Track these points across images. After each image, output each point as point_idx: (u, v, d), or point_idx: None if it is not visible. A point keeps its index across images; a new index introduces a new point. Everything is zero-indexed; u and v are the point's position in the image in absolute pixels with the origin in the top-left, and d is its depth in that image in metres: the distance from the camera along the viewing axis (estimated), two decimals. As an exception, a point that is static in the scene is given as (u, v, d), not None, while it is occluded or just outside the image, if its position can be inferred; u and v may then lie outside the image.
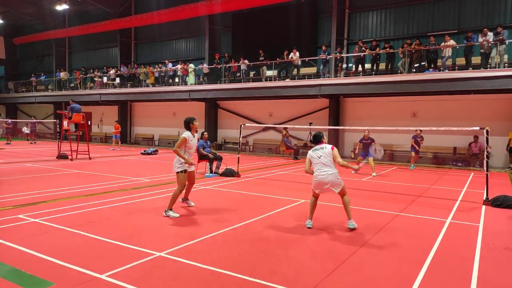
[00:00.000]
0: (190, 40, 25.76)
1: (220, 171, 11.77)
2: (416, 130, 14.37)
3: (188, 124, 6.70)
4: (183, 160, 6.49)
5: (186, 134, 6.58)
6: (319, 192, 6.00)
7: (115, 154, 18.90)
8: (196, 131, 6.87)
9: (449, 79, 14.35)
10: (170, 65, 23.18)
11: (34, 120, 27.26)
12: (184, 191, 7.09)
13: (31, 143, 25.88)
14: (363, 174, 12.82)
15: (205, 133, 12.20)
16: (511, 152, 14.85)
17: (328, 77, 17.67)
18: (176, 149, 6.44)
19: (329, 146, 5.99)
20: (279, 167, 14.37)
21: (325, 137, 6.26)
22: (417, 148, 14.52)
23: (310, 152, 6.06)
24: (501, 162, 15.57)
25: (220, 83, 21.02)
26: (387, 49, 16.27)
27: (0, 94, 32.80)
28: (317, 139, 6.14)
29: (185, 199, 7.37)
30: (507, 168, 14.93)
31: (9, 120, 25.70)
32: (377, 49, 16.72)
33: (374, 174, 12.51)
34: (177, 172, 6.58)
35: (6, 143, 23.48)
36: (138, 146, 25.15)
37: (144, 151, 19.05)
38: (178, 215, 6.50)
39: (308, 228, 5.89)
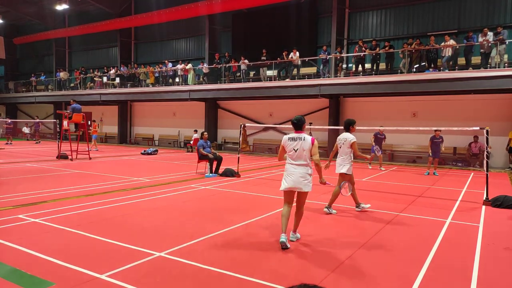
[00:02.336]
0: (190, 40, 25.77)
1: (220, 171, 11.79)
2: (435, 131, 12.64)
3: (349, 126, 6.95)
4: (350, 161, 6.86)
5: (354, 137, 6.86)
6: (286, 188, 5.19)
7: (115, 154, 18.91)
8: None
9: (449, 79, 14.36)
10: (170, 65, 23.18)
11: (37, 120, 27.25)
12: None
13: (37, 142, 25.97)
14: (364, 174, 12.82)
15: (205, 133, 12.21)
16: (510, 152, 14.86)
17: (328, 77, 17.68)
18: (358, 152, 6.78)
19: (310, 139, 5.08)
20: (279, 167, 14.36)
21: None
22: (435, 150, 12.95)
23: (287, 138, 5.19)
24: (501, 162, 15.57)
25: (220, 83, 21.02)
26: (387, 49, 16.28)
27: (0, 94, 32.81)
28: (297, 124, 5.19)
29: (330, 205, 7.04)
30: (507, 168, 14.92)
31: (9, 120, 25.70)
32: (377, 49, 16.72)
33: (370, 167, 14.53)
34: (347, 174, 6.88)
35: (7, 143, 23.49)
36: (138, 146, 25.16)
37: (144, 151, 19.06)
38: (369, 205, 7.23)
39: (281, 242, 4.90)
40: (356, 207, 7.23)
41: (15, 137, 27.67)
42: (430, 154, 12.94)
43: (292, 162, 5.12)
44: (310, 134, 5.66)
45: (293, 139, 5.13)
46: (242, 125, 19.50)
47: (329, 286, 3.83)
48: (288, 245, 4.90)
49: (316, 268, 4.30)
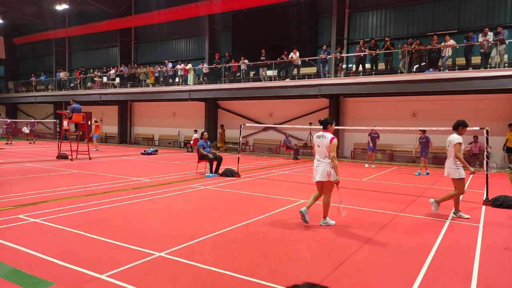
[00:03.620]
0: (190, 40, 25.77)
1: (220, 171, 11.79)
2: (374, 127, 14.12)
3: (458, 127, 6.73)
4: (460, 164, 6.57)
5: (460, 138, 6.58)
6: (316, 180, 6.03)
7: (115, 154, 18.91)
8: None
9: (449, 79, 14.35)
10: (170, 65, 23.19)
11: (33, 120, 27.24)
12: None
13: (30, 143, 25.94)
14: (364, 174, 12.82)
15: (205, 133, 12.20)
16: (508, 152, 14.85)
17: (328, 77, 17.67)
18: (458, 154, 6.48)
19: (329, 137, 5.85)
20: (279, 167, 14.36)
21: (332, 124, 6.06)
22: (371, 145, 14.57)
23: (315, 136, 6.14)
24: (501, 162, 15.56)
25: (220, 83, 21.02)
26: (388, 44, 16.26)
27: (0, 94, 32.81)
28: (322, 124, 6.09)
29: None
30: (507, 168, 14.92)
31: (8, 120, 25.69)
32: (377, 49, 16.72)
33: (372, 166, 14.79)
34: (460, 179, 6.59)
35: (7, 143, 23.48)
36: (138, 146, 25.16)
37: (144, 151, 19.05)
38: (468, 216, 6.70)
39: (300, 212, 5.98)
40: (454, 213, 6.86)
41: (15, 137, 27.67)
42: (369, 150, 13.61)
43: (316, 158, 6.02)
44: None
45: (318, 137, 6.01)
46: (222, 126, 20.12)
47: (330, 285, 3.83)
48: (307, 219, 5.93)
49: (316, 268, 4.30)
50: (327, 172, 5.79)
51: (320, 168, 5.87)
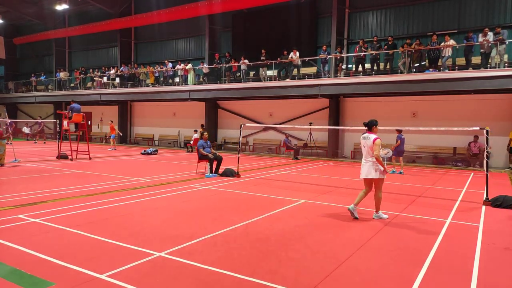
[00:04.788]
0: (190, 40, 25.77)
1: (220, 171, 11.79)
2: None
3: None
4: None
5: None
6: (361, 178, 6.62)
7: (115, 154, 18.91)
8: None
9: (449, 79, 14.36)
10: (170, 65, 23.19)
11: (40, 120, 27.27)
12: None
13: (35, 142, 25.96)
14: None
15: (205, 133, 12.19)
16: (511, 152, 14.86)
17: (328, 77, 17.67)
18: None
19: (372, 138, 6.38)
20: (279, 167, 14.36)
21: (377, 126, 6.64)
22: None
23: (361, 137, 6.73)
24: (501, 162, 15.57)
25: (220, 83, 21.02)
26: (390, 43, 16.27)
27: (0, 94, 32.82)
28: (367, 126, 6.67)
29: None
30: (507, 168, 14.92)
31: (9, 120, 25.64)
32: (380, 48, 16.71)
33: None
34: None
35: (7, 143, 23.43)
36: (138, 146, 25.16)
37: (144, 151, 19.06)
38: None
39: (348, 209, 6.56)
40: None
41: (15, 137, 27.63)
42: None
43: (363, 157, 6.60)
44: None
45: (363, 138, 6.60)
46: (202, 125, 20.20)
47: (329, 286, 3.83)
48: (356, 215, 6.46)
49: (316, 268, 4.30)
50: (373, 171, 6.36)
51: (366, 167, 6.45)
